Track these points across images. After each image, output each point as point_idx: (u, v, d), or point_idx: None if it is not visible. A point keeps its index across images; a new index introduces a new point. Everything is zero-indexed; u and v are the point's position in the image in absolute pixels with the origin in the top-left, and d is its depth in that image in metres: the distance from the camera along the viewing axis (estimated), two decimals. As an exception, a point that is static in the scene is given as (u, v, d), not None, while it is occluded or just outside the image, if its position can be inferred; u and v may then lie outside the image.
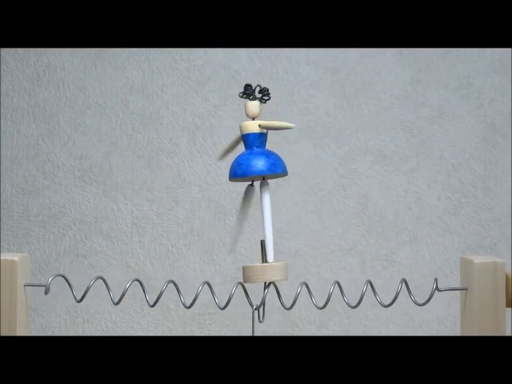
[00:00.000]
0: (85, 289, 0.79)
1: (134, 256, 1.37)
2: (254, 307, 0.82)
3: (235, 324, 1.36)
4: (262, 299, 0.81)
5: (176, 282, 0.82)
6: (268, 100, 0.83)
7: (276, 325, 1.35)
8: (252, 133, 0.83)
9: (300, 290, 0.80)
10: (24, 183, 1.38)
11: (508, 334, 0.76)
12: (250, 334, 1.36)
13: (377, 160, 1.37)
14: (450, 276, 1.35)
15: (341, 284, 0.81)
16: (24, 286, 0.79)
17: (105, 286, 0.81)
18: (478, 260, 0.76)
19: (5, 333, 0.77)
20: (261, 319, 0.83)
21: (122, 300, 0.80)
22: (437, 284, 0.79)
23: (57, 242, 1.38)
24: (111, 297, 0.80)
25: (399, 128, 1.37)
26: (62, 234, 1.38)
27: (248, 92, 0.83)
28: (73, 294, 0.80)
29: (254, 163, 0.82)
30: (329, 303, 0.80)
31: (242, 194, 0.86)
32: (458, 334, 0.81)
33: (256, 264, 0.82)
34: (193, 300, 0.80)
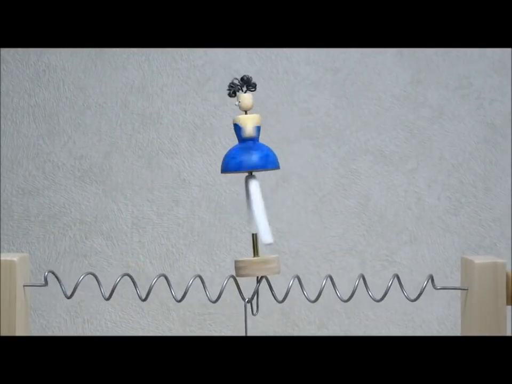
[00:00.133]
0: (86, 289, 0.78)
1: (134, 256, 1.37)
2: (246, 300, 0.82)
3: (235, 323, 1.36)
4: (254, 292, 0.82)
5: (177, 282, 0.81)
6: (255, 86, 0.83)
7: (275, 325, 1.35)
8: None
9: (292, 283, 0.80)
10: (24, 183, 1.38)
11: (508, 334, 0.76)
12: (250, 334, 1.36)
13: (377, 160, 1.37)
14: (451, 276, 1.35)
15: (341, 283, 0.81)
16: (24, 286, 0.79)
17: (105, 286, 0.81)
18: (478, 260, 0.76)
19: (5, 333, 0.77)
20: (254, 312, 0.83)
21: (122, 300, 0.80)
22: (432, 280, 0.79)
23: (57, 242, 1.38)
24: (102, 293, 0.80)
25: (399, 128, 1.37)
26: (62, 234, 1.38)
27: (234, 89, 0.82)
28: (62, 289, 0.79)
29: (247, 157, 0.82)
30: (329, 303, 0.80)
31: (244, 187, 0.86)
32: (458, 334, 0.81)
33: (248, 258, 0.82)
34: (184, 293, 0.80)
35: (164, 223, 1.38)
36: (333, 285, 0.80)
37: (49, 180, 1.38)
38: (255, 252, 0.83)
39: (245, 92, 0.82)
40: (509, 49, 1.35)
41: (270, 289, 0.82)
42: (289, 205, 1.37)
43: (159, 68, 1.39)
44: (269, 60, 1.38)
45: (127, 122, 1.38)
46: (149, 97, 1.38)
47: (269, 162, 0.83)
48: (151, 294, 0.80)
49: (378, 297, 0.79)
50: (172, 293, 0.81)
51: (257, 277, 0.82)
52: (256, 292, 0.82)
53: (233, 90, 0.82)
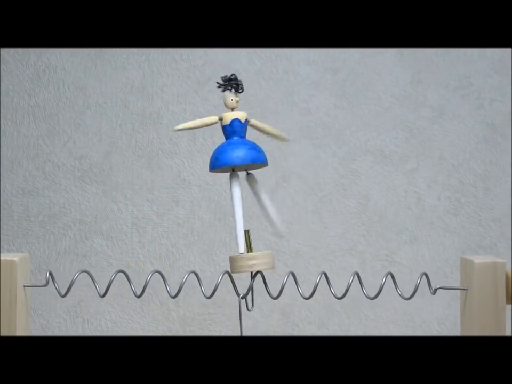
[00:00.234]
0: (86, 289, 0.78)
1: (134, 256, 1.37)
2: (241, 296, 0.82)
3: (235, 323, 1.36)
4: (249, 287, 0.82)
5: (177, 282, 0.82)
6: (242, 88, 0.84)
7: (276, 325, 1.35)
8: (223, 125, 0.84)
9: (286, 280, 0.80)
10: (24, 183, 1.38)
11: (508, 334, 0.76)
12: (251, 334, 1.36)
13: (378, 160, 1.37)
14: (451, 275, 1.35)
15: (341, 283, 0.81)
16: (24, 286, 0.79)
17: (104, 286, 0.81)
18: (478, 260, 0.76)
19: (5, 333, 0.77)
20: (249, 307, 0.84)
21: (122, 300, 0.80)
22: (427, 278, 0.79)
23: (57, 242, 1.38)
24: (97, 290, 0.80)
25: (399, 128, 1.37)
26: (62, 234, 1.38)
27: (223, 85, 0.84)
28: (56, 288, 0.79)
29: (234, 154, 0.83)
30: (329, 303, 0.80)
31: (247, 184, 0.87)
32: (458, 334, 0.81)
33: (241, 255, 0.82)
34: (179, 288, 0.80)
35: (163, 223, 1.38)
36: (327, 282, 0.80)
37: (49, 180, 1.38)
38: (249, 248, 0.84)
39: (231, 91, 0.84)
40: (509, 49, 1.35)
41: (265, 285, 0.82)
42: (289, 205, 1.37)
43: (159, 68, 1.39)
44: (269, 60, 1.38)
45: (127, 122, 1.38)
46: (149, 97, 1.38)
47: (256, 157, 0.84)
48: (152, 294, 0.80)
49: (378, 298, 0.79)
50: (166, 289, 0.81)
51: (252, 273, 0.82)
52: (251, 288, 0.82)
53: (223, 88, 0.84)
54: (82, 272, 0.80)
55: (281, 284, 0.84)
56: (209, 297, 0.82)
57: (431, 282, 0.79)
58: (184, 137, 1.38)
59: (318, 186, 1.37)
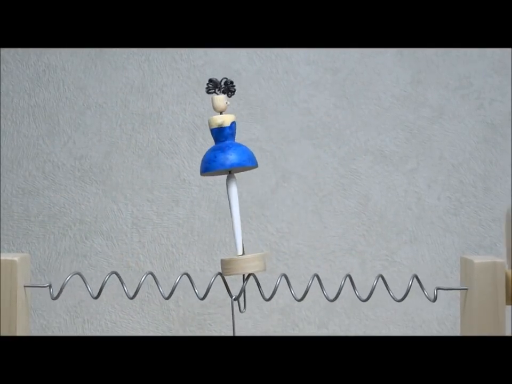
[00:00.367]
0: (85, 289, 0.79)
1: (134, 256, 1.37)
2: (233, 297, 0.82)
3: (235, 323, 1.36)
4: (241, 289, 0.82)
5: (176, 282, 0.82)
6: (234, 91, 0.84)
7: (276, 325, 1.35)
8: (223, 127, 0.84)
9: (279, 282, 0.81)
10: (24, 183, 1.38)
11: (507, 334, 0.76)
12: (250, 334, 1.36)
13: (377, 160, 1.37)
14: (450, 275, 1.35)
15: (340, 283, 0.81)
16: (24, 287, 0.79)
17: (105, 287, 0.81)
18: (478, 259, 0.76)
19: (5, 333, 0.77)
20: (241, 309, 0.84)
21: (122, 300, 0.80)
22: (418, 280, 0.79)
23: (57, 242, 1.38)
24: (89, 291, 0.80)
25: (399, 128, 1.37)
26: (62, 234, 1.38)
27: (211, 86, 0.84)
28: (50, 292, 0.80)
29: (224, 157, 0.83)
30: (329, 303, 0.80)
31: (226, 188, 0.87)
32: (458, 334, 0.81)
33: (232, 257, 0.82)
34: (171, 290, 0.80)
35: (163, 223, 1.38)
36: (320, 284, 0.80)
37: (49, 179, 1.38)
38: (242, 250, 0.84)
39: (220, 93, 0.84)
40: (509, 49, 1.35)
41: (258, 286, 0.82)
42: (289, 205, 1.37)
43: (159, 68, 1.39)
44: (269, 60, 1.38)
45: (127, 122, 1.38)
46: (149, 97, 1.38)
47: (246, 160, 0.84)
48: (152, 294, 0.80)
49: (378, 299, 0.79)
50: (159, 290, 0.82)
51: (244, 275, 0.83)
52: (243, 290, 0.82)
53: (212, 87, 0.84)
54: (75, 274, 0.80)
55: (282, 284, 0.84)
56: (202, 299, 0.82)
57: (430, 282, 0.79)
58: (184, 137, 1.38)
59: (318, 186, 1.37)
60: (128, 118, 1.38)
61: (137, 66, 1.39)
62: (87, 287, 0.80)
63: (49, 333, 1.37)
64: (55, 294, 0.79)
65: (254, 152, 0.86)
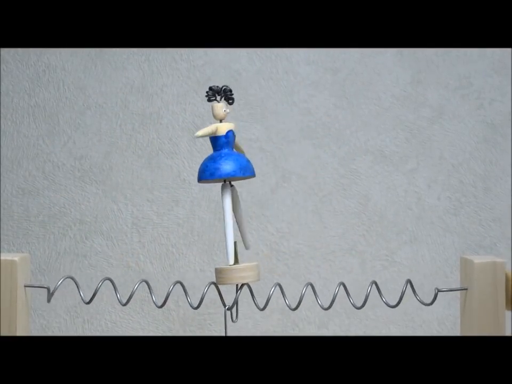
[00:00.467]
0: (86, 289, 0.79)
1: (134, 256, 1.37)
2: (227, 307, 0.82)
3: (235, 323, 1.36)
4: (234, 300, 0.82)
5: (170, 291, 0.82)
6: (232, 101, 0.85)
7: (276, 325, 1.35)
8: (218, 136, 0.84)
9: (273, 291, 0.81)
10: (24, 183, 1.38)
11: (507, 334, 0.76)
12: (250, 334, 1.36)
13: (377, 160, 1.37)
14: (450, 275, 1.35)
15: (346, 288, 0.81)
16: (25, 286, 0.79)
17: (105, 287, 0.81)
18: (478, 259, 0.76)
19: (5, 333, 0.77)
20: (234, 319, 0.84)
21: (123, 300, 0.80)
22: (411, 285, 0.79)
23: (57, 242, 1.38)
24: (81, 296, 0.80)
25: (399, 128, 1.37)
26: (62, 234, 1.38)
27: (211, 94, 0.84)
28: (48, 295, 0.80)
29: (213, 167, 0.83)
30: (329, 303, 0.80)
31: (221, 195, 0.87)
32: (458, 334, 0.81)
33: (227, 266, 0.82)
34: (165, 299, 0.80)
35: (163, 223, 1.38)
36: (313, 292, 0.81)
37: (49, 180, 1.38)
38: (235, 259, 0.84)
39: (220, 101, 0.84)
40: (509, 49, 1.35)
41: (252, 296, 0.82)
42: (289, 205, 1.37)
43: (159, 68, 1.39)
44: (269, 60, 1.38)
45: (127, 122, 1.38)
46: (149, 97, 1.38)
47: (236, 170, 0.84)
48: (152, 294, 0.80)
49: (378, 298, 0.79)
50: (152, 299, 0.82)
51: (237, 285, 0.82)
52: (237, 300, 0.82)
53: (211, 95, 0.84)
54: (66, 278, 0.80)
55: (282, 284, 0.84)
56: (196, 308, 0.82)
57: (430, 282, 0.79)
58: (184, 137, 1.38)
59: (318, 186, 1.37)
60: (128, 118, 1.38)
61: (137, 66, 1.39)
62: (79, 291, 0.80)
63: (49, 333, 1.37)
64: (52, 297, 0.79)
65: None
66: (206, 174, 0.84)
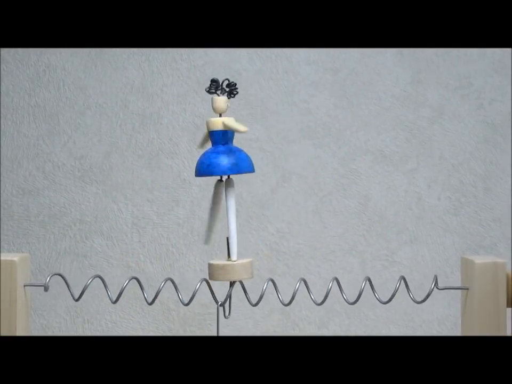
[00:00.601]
0: (86, 289, 0.79)
1: (134, 256, 1.37)
2: (219, 303, 0.82)
3: (235, 324, 1.36)
4: (227, 296, 0.82)
5: (177, 282, 0.82)
6: (236, 94, 0.83)
7: (276, 325, 1.35)
8: (218, 130, 0.82)
9: (266, 287, 0.80)
10: (24, 183, 1.38)
11: (508, 334, 0.76)
12: (250, 334, 1.36)
13: (378, 160, 1.37)
14: (451, 276, 1.35)
15: (341, 284, 0.81)
16: (24, 286, 0.79)
17: (105, 286, 0.81)
18: (479, 260, 0.76)
19: (5, 333, 0.77)
20: (226, 315, 0.84)
21: (122, 300, 0.80)
22: (405, 281, 0.78)
23: (57, 242, 1.38)
24: (71, 293, 0.80)
25: (399, 128, 1.37)
26: (62, 234, 1.38)
27: (213, 87, 0.82)
28: (45, 284, 0.79)
29: (219, 161, 0.82)
30: (329, 303, 0.80)
31: (213, 190, 0.87)
32: (458, 334, 0.81)
33: (219, 262, 0.82)
34: (154, 296, 0.80)
35: (164, 223, 1.38)
36: (307, 288, 0.80)
37: (49, 179, 1.38)
38: (229, 255, 0.83)
39: (221, 95, 0.82)
40: (509, 49, 1.35)
41: (244, 292, 0.82)
42: (289, 205, 1.37)
43: (159, 68, 1.39)
44: (269, 60, 1.38)
45: (127, 122, 1.38)
46: (149, 97, 1.38)
47: (242, 166, 0.83)
48: (152, 294, 0.80)
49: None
50: (144, 295, 0.82)
51: (230, 281, 0.82)
52: (229, 296, 0.82)
53: (214, 88, 0.82)
54: (54, 275, 0.80)
55: (282, 284, 0.84)
56: (187, 304, 0.82)
57: (430, 282, 0.79)
58: (184, 137, 1.38)
59: (318, 186, 1.37)
60: (128, 118, 1.38)
61: (137, 66, 1.39)
62: (68, 289, 0.80)
63: (49, 333, 1.37)
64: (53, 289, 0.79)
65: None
66: (196, 170, 0.83)
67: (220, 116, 0.82)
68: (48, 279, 0.79)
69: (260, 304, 0.82)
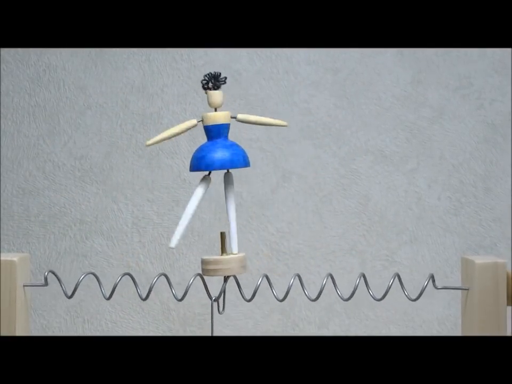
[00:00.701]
0: (86, 289, 0.79)
1: (135, 256, 1.37)
2: (213, 298, 0.82)
3: (235, 323, 1.36)
4: (221, 291, 0.82)
5: (177, 282, 0.82)
6: (223, 83, 0.83)
7: (276, 325, 1.35)
8: (215, 124, 0.82)
9: (260, 282, 0.80)
10: (24, 183, 1.38)
11: (508, 334, 0.76)
12: (250, 334, 1.36)
13: (378, 160, 1.37)
14: (451, 276, 1.35)
15: (341, 284, 0.81)
16: (24, 286, 0.79)
17: (104, 288, 0.81)
18: (479, 260, 0.76)
19: (5, 333, 0.77)
20: (220, 310, 0.84)
21: (122, 300, 0.80)
22: (433, 280, 0.78)
23: (58, 242, 1.38)
24: (63, 290, 0.80)
25: (399, 128, 1.37)
26: (62, 234, 1.38)
27: (207, 82, 0.82)
28: (63, 289, 0.80)
29: (217, 155, 0.82)
30: (329, 303, 0.80)
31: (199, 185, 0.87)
32: (458, 334, 0.81)
33: (212, 257, 0.82)
34: (148, 291, 0.80)
35: (164, 223, 1.37)
36: (301, 285, 0.81)
37: (49, 179, 1.38)
38: (223, 250, 0.83)
39: (213, 89, 0.82)
40: (509, 49, 1.35)
41: (238, 288, 0.82)
42: (289, 205, 1.37)
43: (159, 68, 1.39)
44: (269, 60, 1.38)
45: (127, 122, 1.38)
46: (149, 97, 1.38)
47: (237, 161, 0.83)
48: (152, 294, 0.80)
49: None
50: (137, 290, 0.82)
51: (224, 276, 0.82)
52: (223, 291, 0.82)
53: (203, 85, 0.82)
54: (49, 272, 0.80)
55: (282, 284, 0.84)
56: (180, 300, 0.82)
57: (430, 282, 0.79)
58: (184, 137, 1.38)
59: (318, 186, 1.37)
60: (129, 118, 1.38)
61: (137, 66, 1.39)
62: (61, 286, 0.80)
63: (49, 333, 1.37)
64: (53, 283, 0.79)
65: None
66: (190, 165, 0.83)
67: (215, 110, 0.83)
68: (46, 273, 0.79)
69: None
